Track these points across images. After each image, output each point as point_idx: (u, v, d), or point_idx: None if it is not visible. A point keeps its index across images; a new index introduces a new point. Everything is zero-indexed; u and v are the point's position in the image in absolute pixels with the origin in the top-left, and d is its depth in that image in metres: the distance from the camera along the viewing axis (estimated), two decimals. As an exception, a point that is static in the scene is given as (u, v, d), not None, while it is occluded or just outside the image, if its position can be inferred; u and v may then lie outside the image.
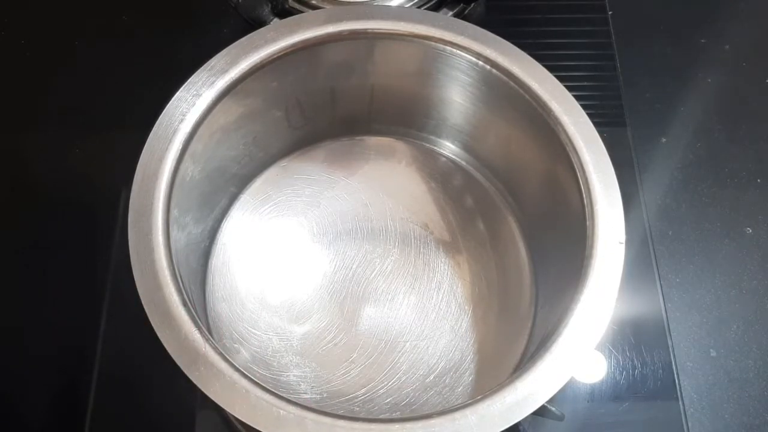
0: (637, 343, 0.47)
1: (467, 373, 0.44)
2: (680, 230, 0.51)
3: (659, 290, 0.48)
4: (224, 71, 0.41)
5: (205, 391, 0.33)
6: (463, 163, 0.51)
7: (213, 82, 0.40)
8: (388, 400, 0.43)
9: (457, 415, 0.33)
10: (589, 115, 0.40)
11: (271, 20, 0.53)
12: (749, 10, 0.61)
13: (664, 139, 0.55)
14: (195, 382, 0.33)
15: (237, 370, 0.33)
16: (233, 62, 0.41)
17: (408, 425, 0.32)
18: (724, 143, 0.55)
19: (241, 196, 0.49)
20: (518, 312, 0.46)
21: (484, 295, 0.47)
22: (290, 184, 0.50)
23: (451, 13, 0.56)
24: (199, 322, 0.35)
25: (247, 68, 0.41)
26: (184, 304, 0.35)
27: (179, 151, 0.39)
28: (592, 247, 0.37)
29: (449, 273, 0.47)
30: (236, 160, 0.47)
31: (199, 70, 0.41)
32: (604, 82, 0.56)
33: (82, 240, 0.49)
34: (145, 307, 0.35)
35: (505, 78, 0.42)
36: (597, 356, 0.46)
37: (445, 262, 0.48)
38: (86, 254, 0.48)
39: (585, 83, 0.56)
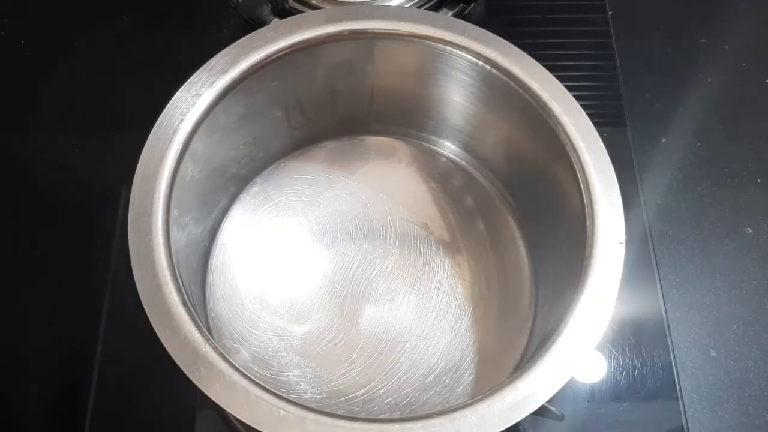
0: (637, 343, 0.47)
1: (467, 373, 0.44)
2: (680, 230, 0.51)
3: (659, 290, 0.48)
4: (224, 71, 0.41)
5: (205, 391, 0.33)
6: (463, 163, 0.51)
7: (213, 82, 0.40)
8: (388, 400, 0.43)
9: (457, 415, 0.33)
10: (589, 115, 0.40)
11: (271, 20, 0.53)
12: (749, 10, 0.61)
13: (664, 139, 0.55)
14: (195, 382, 0.33)
15: (237, 370, 0.33)
16: (233, 62, 0.41)
17: (408, 425, 0.32)
18: (724, 143, 0.55)
19: (241, 196, 0.49)
20: (518, 312, 0.46)
21: (484, 295, 0.47)
22: (290, 184, 0.50)
23: (451, 13, 0.56)
24: (199, 322, 0.35)
25: (247, 68, 0.41)
26: (184, 304, 0.35)
27: (179, 151, 0.39)
28: (592, 247, 0.37)
29: (449, 273, 0.47)
30: (236, 160, 0.47)
31: (199, 70, 0.41)
32: (604, 82, 0.56)
33: (82, 240, 0.49)
34: (145, 307, 0.35)
35: (505, 78, 0.42)
36: (597, 356, 0.46)
37: (445, 262, 0.48)
38: (86, 254, 0.48)
39: (585, 83, 0.56)
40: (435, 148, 0.51)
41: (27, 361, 0.46)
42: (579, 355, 0.35)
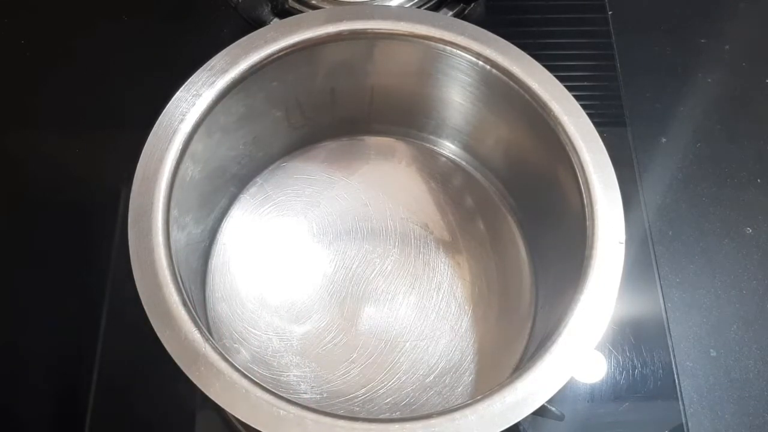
0: (637, 343, 0.47)
1: (467, 373, 0.44)
2: (680, 230, 0.51)
3: (659, 290, 0.48)
4: (224, 71, 0.41)
5: (205, 391, 0.33)
6: (463, 163, 0.51)
7: (213, 82, 0.40)
8: (388, 400, 0.43)
9: (457, 415, 0.33)
10: (589, 115, 0.40)
11: (271, 20, 0.53)
12: (749, 10, 0.61)
13: (664, 139, 0.55)
14: (195, 382, 0.33)
15: (237, 370, 0.33)
16: (233, 62, 0.41)
17: (408, 425, 0.32)
18: (724, 143, 0.55)
19: (241, 196, 0.49)
20: (518, 312, 0.46)
21: (484, 295, 0.47)
22: (290, 184, 0.50)
23: (451, 13, 0.56)
24: (199, 322, 0.35)
25: (247, 68, 0.41)
26: (184, 304, 0.35)
27: (179, 151, 0.39)
28: (592, 247, 0.37)
29: (449, 273, 0.47)
30: (236, 160, 0.47)
31: (199, 70, 0.41)
32: (604, 82, 0.56)
33: (82, 240, 0.49)
34: (145, 307, 0.35)
35: (505, 78, 0.42)
36: (597, 356, 0.46)
37: (445, 262, 0.48)
38: (86, 254, 0.48)
39: (585, 83, 0.56)
40: (435, 148, 0.51)
41: (27, 361, 0.46)
42: (579, 355, 0.35)
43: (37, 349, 0.46)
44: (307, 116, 0.49)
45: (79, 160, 0.52)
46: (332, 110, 0.49)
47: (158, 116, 0.39)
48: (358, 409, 0.43)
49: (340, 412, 0.35)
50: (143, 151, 0.38)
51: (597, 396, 0.45)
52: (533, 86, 0.41)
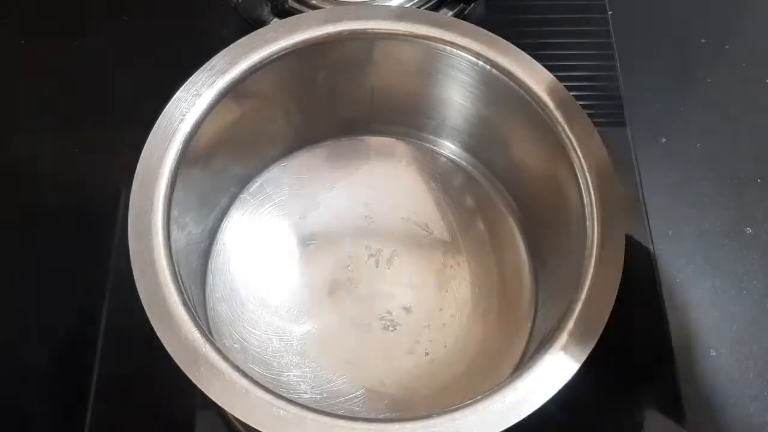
0: (637, 343, 0.47)
1: (467, 373, 0.44)
2: (680, 230, 0.51)
3: (659, 290, 0.48)
4: (224, 71, 0.41)
5: (205, 391, 0.33)
6: (463, 163, 0.51)
7: (213, 82, 0.40)
8: (388, 400, 0.43)
9: (457, 415, 0.33)
10: (589, 115, 0.41)
11: (271, 20, 0.53)
12: (749, 10, 0.61)
13: (664, 139, 0.55)
14: (195, 382, 0.33)
15: (237, 370, 0.33)
16: (233, 62, 0.41)
17: (408, 425, 0.32)
18: (724, 143, 0.55)
19: (241, 196, 0.49)
20: (518, 312, 0.46)
21: (484, 295, 0.47)
22: (290, 184, 0.50)
23: (451, 13, 0.56)
24: (199, 322, 0.35)
25: (247, 68, 0.41)
26: (184, 304, 0.35)
27: (179, 151, 0.39)
28: (592, 247, 0.37)
29: (449, 273, 0.47)
30: (236, 160, 0.47)
31: (199, 70, 0.41)
32: (604, 82, 0.56)
33: (82, 240, 0.49)
34: (145, 307, 0.35)
35: (505, 78, 0.42)
36: (596, 356, 0.46)
37: (445, 262, 0.48)
38: (86, 254, 0.48)
39: (585, 83, 0.56)
40: (435, 148, 0.51)
41: (27, 361, 0.46)
42: (579, 355, 0.35)
43: (37, 349, 0.46)
44: (307, 116, 0.49)
45: (78, 160, 0.52)
46: (332, 110, 0.49)
47: (158, 116, 0.39)
48: (358, 409, 0.43)
49: (340, 412, 0.35)
50: (143, 151, 0.38)
51: (596, 396, 0.45)
52: (533, 86, 0.41)
